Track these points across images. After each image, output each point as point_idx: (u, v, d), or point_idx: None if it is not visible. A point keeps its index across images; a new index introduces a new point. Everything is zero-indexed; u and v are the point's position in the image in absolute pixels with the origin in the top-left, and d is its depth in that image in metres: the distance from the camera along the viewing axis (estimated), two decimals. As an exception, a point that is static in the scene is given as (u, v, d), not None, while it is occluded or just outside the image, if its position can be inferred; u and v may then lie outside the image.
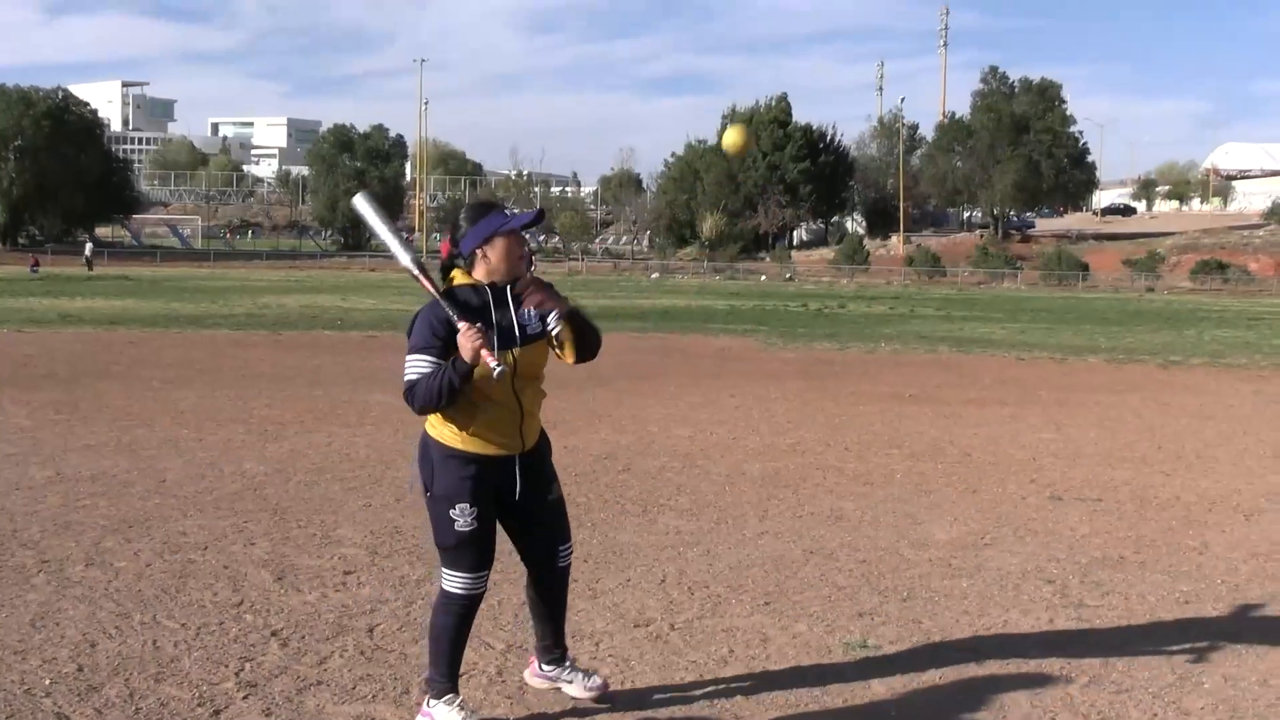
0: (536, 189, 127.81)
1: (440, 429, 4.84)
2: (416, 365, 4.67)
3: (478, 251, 4.75)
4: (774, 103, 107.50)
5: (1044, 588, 7.16)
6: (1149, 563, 7.84)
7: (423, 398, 4.66)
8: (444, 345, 4.63)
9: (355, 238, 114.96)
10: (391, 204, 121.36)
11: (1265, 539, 8.61)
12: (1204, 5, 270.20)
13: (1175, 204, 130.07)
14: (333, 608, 6.38)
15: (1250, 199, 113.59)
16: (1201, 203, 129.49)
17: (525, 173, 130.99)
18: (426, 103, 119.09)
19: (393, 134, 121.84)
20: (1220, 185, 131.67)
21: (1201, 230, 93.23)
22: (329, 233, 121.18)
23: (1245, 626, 6.51)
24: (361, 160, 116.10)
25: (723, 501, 9.37)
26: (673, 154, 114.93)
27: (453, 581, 4.90)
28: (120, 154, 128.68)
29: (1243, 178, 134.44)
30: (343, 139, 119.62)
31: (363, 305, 37.29)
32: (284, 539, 7.82)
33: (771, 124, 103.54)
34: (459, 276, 4.83)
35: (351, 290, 47.09)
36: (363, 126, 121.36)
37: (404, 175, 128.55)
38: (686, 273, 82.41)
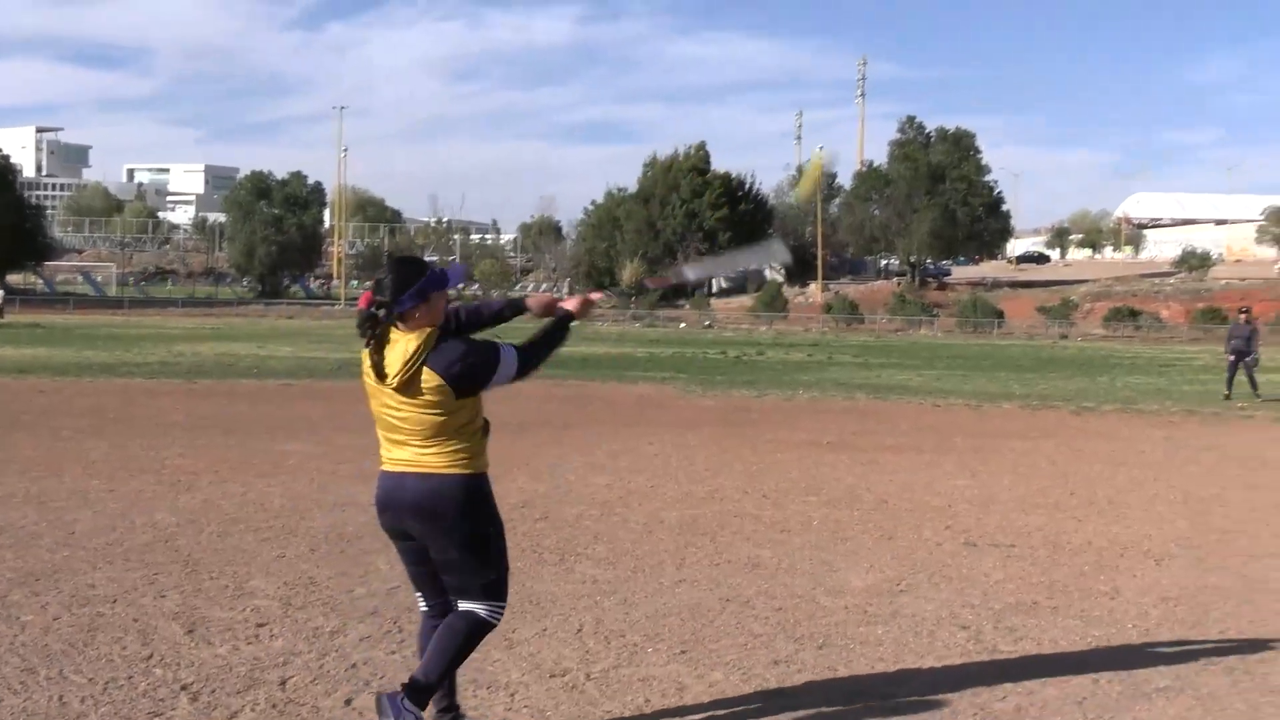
0: (456, 236, 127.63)
1: (475, 459, 5.04)
2: (512, 355, 5.02)
3: (414, 310, 4.92)
4: (692, 151, 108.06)
5: (958, 634, 7.21)
6: (1061, 608, 7.92)
7: (538, 359, 5.15)
8: None
9: (272, 284, 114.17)
10: (309, 251, 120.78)
11: (1175, 584, 8.72)
12: (1116, 58, 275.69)
13: (1088, 252, 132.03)
14: (244, 660, 6.30)
15: (1161, 247, 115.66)
16: (1114, 251, 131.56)
17: (445, 220, 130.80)
18: (346, 150, 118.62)
19: (312, 181, 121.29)
20: (1132, 234, 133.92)
21: (1114, 278, 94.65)
22: (246, 280, 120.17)
23: (1156, 671, 6.58)
24: (279, 207, 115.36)
25: (640, 550, 9.36)
26: (593, 201, 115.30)
27: (500, 611, 5.19)
28: (33, 200, 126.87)
29: (1154, 226, 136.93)
30: (260, 185, 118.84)
31: (279, 353, 36.97)
32: (195, 591, 7.72)
33: (690, 172, 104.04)
34: (395, 332, 4.96)
35: (268, 338, 46.67)
36: (281, 173, 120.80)
37: (322, 222, 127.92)
38: (606, 320, 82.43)
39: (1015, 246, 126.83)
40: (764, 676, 6.31)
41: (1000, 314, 78.84)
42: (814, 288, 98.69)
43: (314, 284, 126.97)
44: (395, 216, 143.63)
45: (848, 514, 11.20)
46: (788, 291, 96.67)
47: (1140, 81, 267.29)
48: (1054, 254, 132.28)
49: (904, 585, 8.41)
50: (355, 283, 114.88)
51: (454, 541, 5.01)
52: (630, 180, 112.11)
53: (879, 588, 8.31)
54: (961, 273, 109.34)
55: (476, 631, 5.10)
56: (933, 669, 6.54)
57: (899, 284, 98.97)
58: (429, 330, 4.93)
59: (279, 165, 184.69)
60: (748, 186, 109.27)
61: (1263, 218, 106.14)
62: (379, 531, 5.21)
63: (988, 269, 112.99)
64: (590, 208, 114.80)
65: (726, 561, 9.03)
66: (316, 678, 6.06)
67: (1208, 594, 8.45)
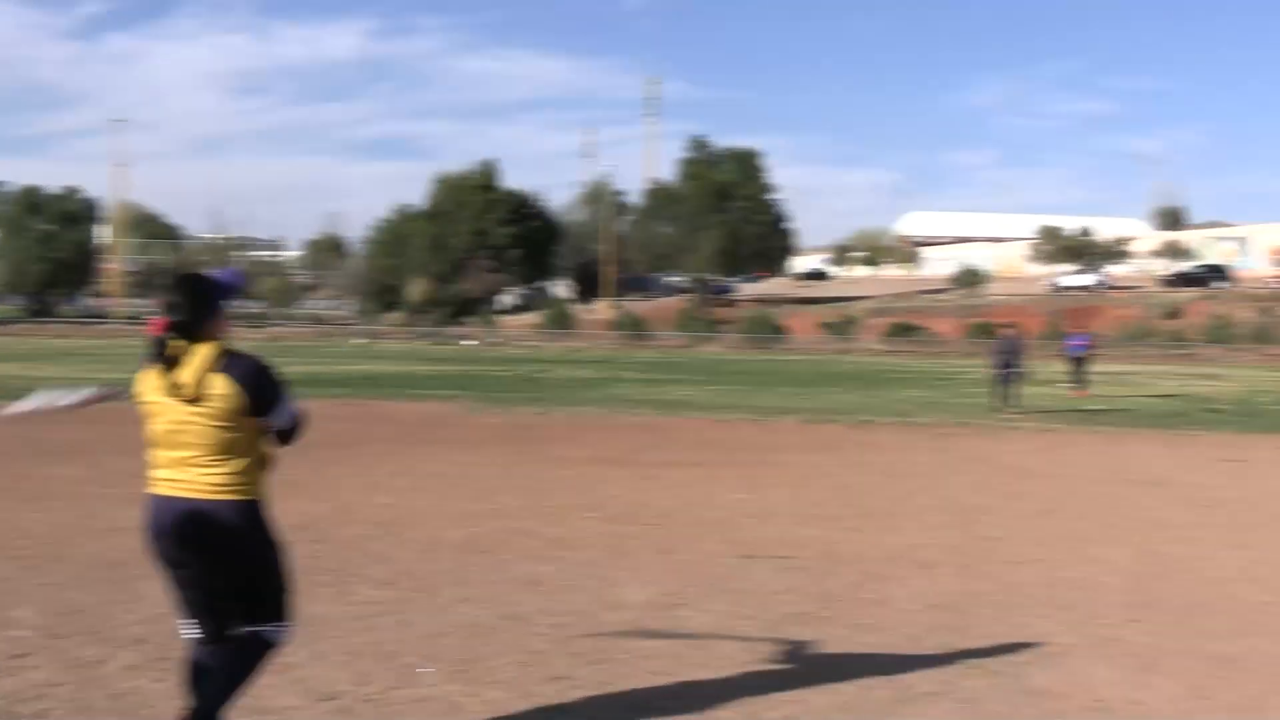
0: (240, 253, 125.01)
1: (255, 485, 5.03)
2: (295, 404, 5.06)
3: (209, 324, 4.94)
4: (481, 168, 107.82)
5: (733, 645, 7.32)
6: (834, 617, 8.10)
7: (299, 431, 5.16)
8: None
9: (43, 303, 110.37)
10: (83, 268, 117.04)
11: (942, 591, 8.98)
12: (898, 82, 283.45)
13: (869, 269, 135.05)
14: (1, 695, 6.07)
15: (938, 264, 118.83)
16: (894, 268, 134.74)
17: (228, 236, 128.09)
18: (124, 164, 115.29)
19: (90, 195, 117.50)
20: (909, 251, 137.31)
21: (893, 294, 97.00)
22: (15, 298, 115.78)
23: (921, 676, 6.78)
24: (52, 223, 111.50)
25: (420, 569, 9.29)
26: (380, 219, 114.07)
27: (287, 630, 5.21)
28: None
29: (931, 244, 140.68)
30: (31, 201, 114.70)
31: (50, 374, 35.71)
32: (-49, 623, 7.41)
33: (478, 189, 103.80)
34: (202, 349, 4.91)
35: (37, 358, 45.09)
36: (56, 188, 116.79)
37: (97, 238, 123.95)
38: (393, 338, 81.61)
39: (800, 264, 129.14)
40: (541, 693, 6.32)
41: (784, 330, 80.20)
42: (602, 305, 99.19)
43: (89, 301, 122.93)
44: (175, 233, 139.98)
45: (628, 529, 11.28)
46: (576, 308, 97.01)
47: (920, 104, 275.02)
48: (837, 271, 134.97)
49: (682, 599, 8.50)
50: (134, 300, 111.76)
51: (236, 567, 4.97)
52: (419, 197, 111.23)
53: (657, 602, 8.39)
54: (747, 289, 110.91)
55: (263, 652, 5.10)
56: (708, 681, 6.61)
57: (686, 301, 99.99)
58: (220, 341, 4.94)
59: (54, 180, 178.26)
60: (537, 204, 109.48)
61: (1034, 236, 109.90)
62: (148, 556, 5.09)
63: (773, 286, 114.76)
64: (378, 224, 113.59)
65: (507, 579, 9.02)
66: (78, 710, 5.87)
67: (973, 600, 8.73)
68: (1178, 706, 6.46)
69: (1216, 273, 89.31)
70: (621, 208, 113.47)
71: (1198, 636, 7.87)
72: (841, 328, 79.88)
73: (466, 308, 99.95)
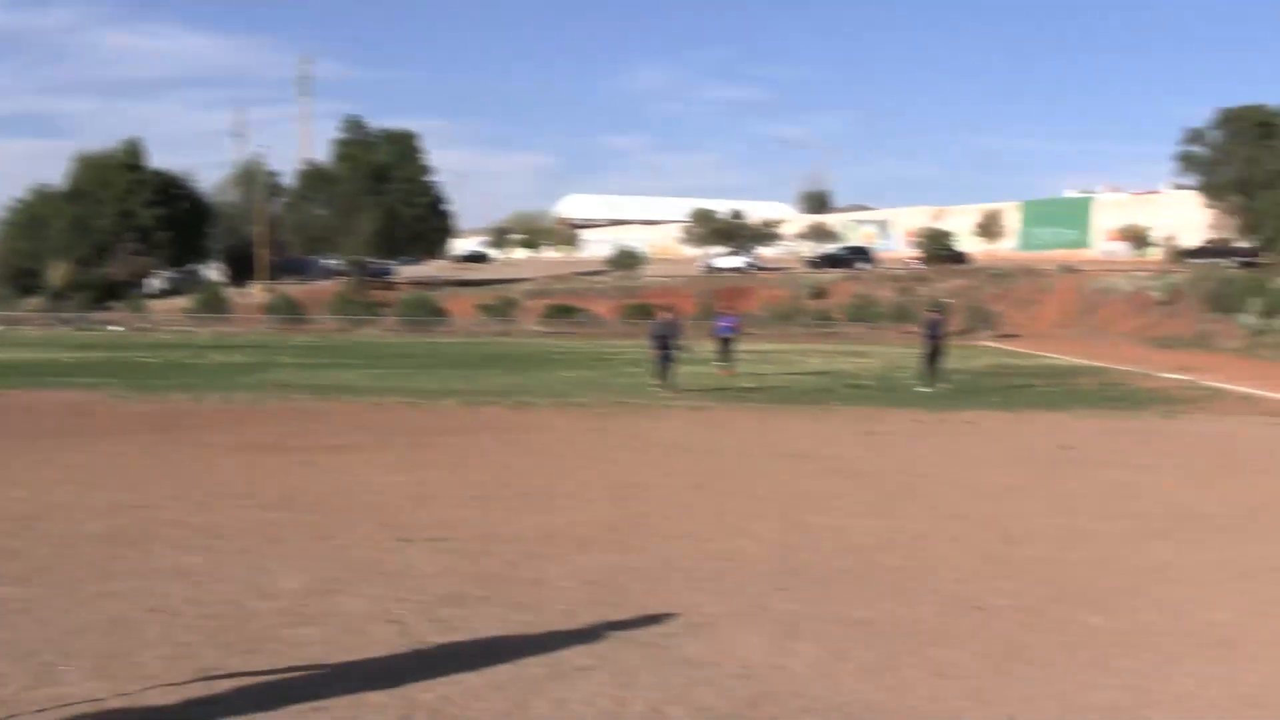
0: None
1: None
2: None
3: None
4: (125, 147, 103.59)
5: (388, 628, 7.29)
6: (491, 597, 8.15)
7: None
8: None
9: None
10: None
11: (598, 567, 9.16)
12: (555, 66, 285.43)
13: (528, 251, 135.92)
14: None
15: (596, 246, 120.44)
16: (553, 250, 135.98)
17: None
18: None
19: None
20: (567, 234, 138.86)
21: (552, 276, 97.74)
22: None
23: (576, 651, 6.90)
24: None
25: (59, 564, 8.90)
26: (15, 199, 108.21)
27: None
28: None
29: (588, 226, 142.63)
30: None
31: None
32: None
33: (122, 169, 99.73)
34: None
35: None
36: None
37: None
38: (32, 324, 77.61)
39: (459, 246, 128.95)
40: (189, 687, 6.17)
41: (443, 313, 79.88)
42: (256, 288, 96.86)
43: None
44: None
45: (282, 516, 11.07)
46: (230, 292, 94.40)
47: (579, 89, 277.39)
48: (496, 253, 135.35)
49: (337, 584, 8.41)
50: None
51: None
52: (58, 177, 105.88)
53: (311, 588, 8.28)
54: (406, 272, 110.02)
55: None
56: (362, 666, 6.58)
57: (343, 283, 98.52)
58: None
59: None
60: (185, 185, 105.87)
61: (687, 219, 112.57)
62: None
63: (432, 268, 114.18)
64: (13, 206, 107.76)
65: (153, 571, 8.74)
66: None
67: (627, 575, 8.93)
68: (818, 669, 6.77)
69: (859, 254, 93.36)
70: (275, 189, 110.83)
71: (838, 602, 8.26)
72: (501, 309, 79.98)
73: (112, 292, 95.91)
